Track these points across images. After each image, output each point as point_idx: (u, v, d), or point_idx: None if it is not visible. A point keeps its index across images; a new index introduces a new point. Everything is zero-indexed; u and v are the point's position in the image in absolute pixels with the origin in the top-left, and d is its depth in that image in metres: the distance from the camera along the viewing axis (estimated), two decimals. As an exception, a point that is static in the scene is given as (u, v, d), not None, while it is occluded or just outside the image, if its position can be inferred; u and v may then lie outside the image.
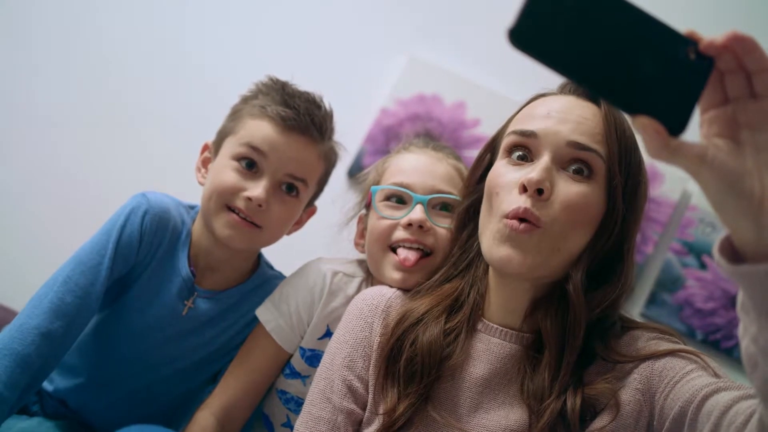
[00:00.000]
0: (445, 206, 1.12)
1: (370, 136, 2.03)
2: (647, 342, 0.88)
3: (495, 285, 0.94)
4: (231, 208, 1.14)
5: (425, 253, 1.10)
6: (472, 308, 0.94)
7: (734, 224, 0.57)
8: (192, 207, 1.25)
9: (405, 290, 1.04)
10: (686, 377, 0.80)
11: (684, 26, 0.57)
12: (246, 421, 1.19)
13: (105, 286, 1.12)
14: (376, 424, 0.91)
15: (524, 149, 0.90)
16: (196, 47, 2.07)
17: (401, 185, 1.13)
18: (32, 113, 2.03)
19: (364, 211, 1.23)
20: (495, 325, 0.93)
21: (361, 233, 1.22)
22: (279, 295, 1.20)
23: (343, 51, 2.07)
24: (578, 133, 0.87)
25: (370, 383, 0.94)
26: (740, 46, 0.54)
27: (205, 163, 1.25)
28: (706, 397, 0.74)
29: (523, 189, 0.86)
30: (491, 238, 0.88)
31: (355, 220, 1.26)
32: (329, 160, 1.23)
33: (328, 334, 1.15)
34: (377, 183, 1.18)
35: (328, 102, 1.22)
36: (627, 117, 0.59)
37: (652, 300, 1.99)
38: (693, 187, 1.99)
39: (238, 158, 1.15)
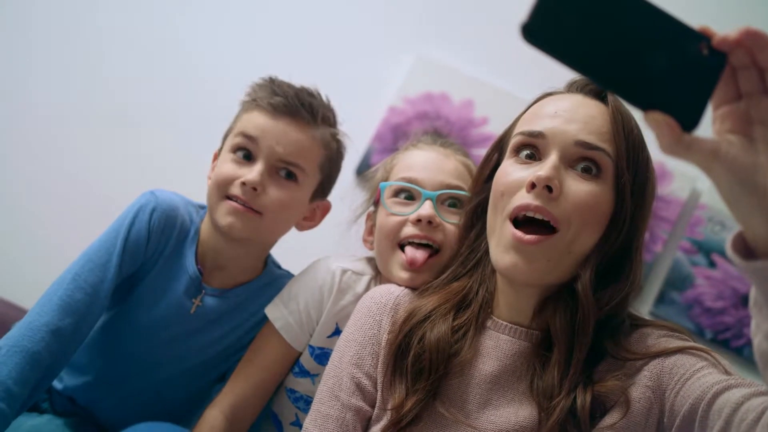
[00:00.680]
0: (453, 203, 1.12)
1: (378, 134, 2.03)
2: (657, 339, 0.88)
3: (503, 284, 0.94)
4: (230, 198, 1.15)
5: (434, 250, 1.10)
6: (480, 306, 0.94)
7: (747, 220, 0.57)
8: (202, 207, 1.26)
9: (413, 288, 1.04)
10: (697, 374, 0.79)
11: (696, 23, 0.57)
12: (255, 419, 1.19)
13: (114, 283, 1.12)
14: (385, 420, 0.91)
15: (532, 148, 0.90)
16: (198, 47, 2.07)
17: (410, 181, 1.13)
18: (33, 113, 2.04)
19: (372, 209, 1.24)
20: (504, 323, 0.93)
21: (370, 230, 1.22)
22: (288, 293, 1.20)
23: (351, 50, 2.07)
24: (586, 132, 0.87)
25: (379, 380, 0.95)
26: (753, 41, 0.54)
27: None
28: (716, 394, 0.74)
29: (531, 186, 0.86)
30: (497, 244, 0.89)
31: (364, 218, 1.26)
32: (329, 146, 1.22)
33: (337, 332, 1.16)
34: (386, 180, 1.18)
35: (325, 94, 1.23)
36: (638, 113, 0.59)
37: (662, 299, 1.98)
38: (702, 186, 1.98)
39: (234, 150, 1.17)
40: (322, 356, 1.16)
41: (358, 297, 1.13)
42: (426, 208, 1.09)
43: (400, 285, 1.06)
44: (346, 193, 1.30)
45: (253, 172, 1.13)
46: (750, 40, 0.54)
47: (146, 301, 1.20)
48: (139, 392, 1.23)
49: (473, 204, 1.00)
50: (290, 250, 1.34)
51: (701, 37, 0.56)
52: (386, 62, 2.07)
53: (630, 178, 0.87)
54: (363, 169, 1.94)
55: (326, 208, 1.29)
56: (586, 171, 0.87)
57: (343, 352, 0.99)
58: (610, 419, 0.83)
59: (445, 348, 0.91)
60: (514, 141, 0.92)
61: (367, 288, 1.17)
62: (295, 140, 1.16)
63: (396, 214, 1.12)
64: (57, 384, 1.26)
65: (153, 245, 1.17)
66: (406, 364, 0.92)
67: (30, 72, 2.06)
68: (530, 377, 0.88)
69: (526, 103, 0.98)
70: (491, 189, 0.94)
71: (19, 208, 2.00)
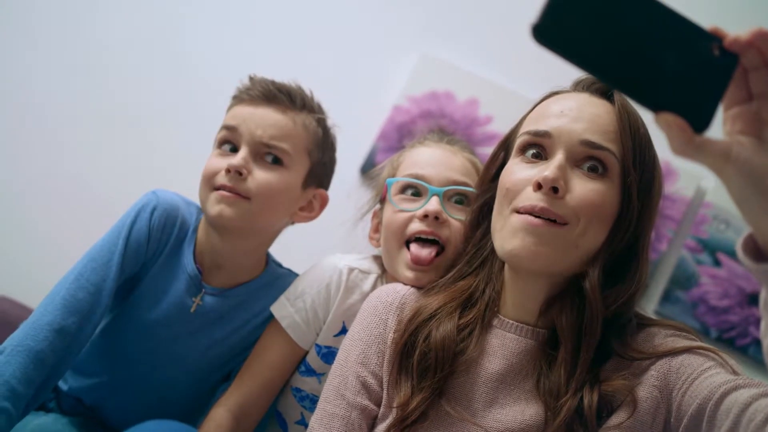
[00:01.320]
0: (460, 199, 1.12)
1: (383, 133, 2.02)
2: (664, 339, 0.88)
3: (510, 281, 0.94)
4: (218, 189, 1.15)
5: (440, 247, 1.09)
6: (487, 304, 0.94)
7: (758, 222, 0.57)
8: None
9: (419, 288, 1.04)
10: (704, 374, 0.79)
11: (708, 23, 0.57)
12: (261, 418, 1.19)
13: (116, 282, 1.13)
14: (390, 419, 0.91)
15: (538, 147, 0.90)
16: (199, 47, 2.07)
17: (417, 177, 1.13)
18: (35, 114, 2.04)
19: (378, 206, 1.24)
20: (511, 321, 0.93)
21: (376, 227, 1.22)
22: (295, 291, 1.20)
23: (356, 48, 2.07)
24: (591, 132, 0.87)
25: (384, 379, 0.95)
26: (765, 42, 0.54)
27: None
28: (724, 395, 0.74)
29: (538, 187, 0.86)
30: (503, 232, 0.89)
31: (369, 216, 1.26)
32: (314, 131, 1.21)
33: (344, 330, 1.15)
34: (393, 176, 1.18)
35: (309, 88, 1.24)
36: (646, 114, 0.58)
37: (667, 297, 1.98)
38: (707, 184, 1.98)
39: (219, 144, 1.19)
40: (329, 355, 1.16)
41: (365, 295, 1.13)
42: (433, 204, 1.09)
43: (406, 284, 1.06)
44: (351, 191, 1.29)
45: (237, 157, 1.14)
46: (762, 40, 0.54)
47: (148, 301, 1.20)
48: (144, 393, 1.23)
49: (479, 203, 1.00)
50: (295, 248, 1.34)
51: (712, 37, 0.56)
52: (390, 61, 2.06)
53: (636, 177, 0.87)
54: (368, 168, 1.94)
55: (324, 199, 1.27)
56: (592, 170, 0.87)
57: (348, 351, 0.99)
58: (616, 419, 0.82)
59: (451, 346, 0.91)
60: (520, 140, 0.92)
61: (374, 286, 1.17)
62: (275, 122, 1.17)
63: (403, 210, 1.12)
64: (62, 385, 1.26)
65: (153, 244, 1.18)
66: (411, 362, 0.92)
67: (31, 73, 2.06)
68: (536, 376, 0.88)
69: (530, 102, 0.98)
70: (497, 187, 0.94)
71: (23, 208, 2.00)
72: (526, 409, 0.87)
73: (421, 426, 0.89)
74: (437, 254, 1.09)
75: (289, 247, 1.31)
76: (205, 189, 1.17)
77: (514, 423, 0.87)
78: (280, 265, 1.31)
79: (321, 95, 1.26)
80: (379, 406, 0.95)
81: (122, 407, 1.23)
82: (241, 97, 1.20)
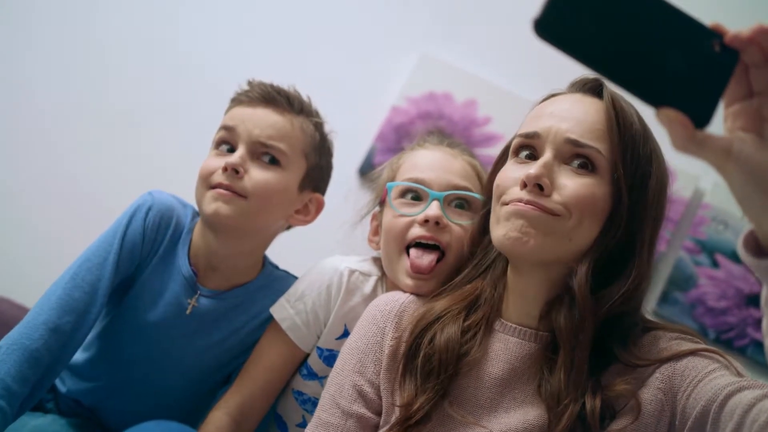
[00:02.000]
0: (460, 203, 1.11)
1: (381, 134, 2.03)
2: (668, 342, 0.87)
3: (512, 283, 0.94)
4: (214, 187, 1.15)
5: (441, 253, 1.09)
6: (491, 308, 0.94)
7: (759, 218, 0.57)
8: (198, 213, 1.26)
9: (419, 294, 1.04)
10: (709, 376, 0.79)
11: (709, 19, 0.57)
12: (261, 420, 1.19)
13: (111, 281, 1.13)
14: (393, 419, 0.91)
15: (530, 149, 0.91)
16: (199, 47, 2.07)
17: (417, 181, 1.12)
18: (34, 114, 2.04)
19: (377, 209, 1.23)
20: (513, 325, 0.93)
21: (375, 230, 1.22)
22: (295, 293, 1.20)
23: (354, 49, 2.07)
24: (576, 130, 0.87)
25: (382, 387, 0.95)
26: (766, 39, 0.54)
27: None
28: (728, 396, 0.74)
29: (523, 185, 0.87)
30: (496, 226, 0.90)
31: (368, 218, 1.25)
32: (311, 134, 1.22)
33: (346, 333, 1.14)
34: (392, 180, 1.17)
35: (306, 94, 1.24)
36: (647, 109, 0.58)
37: (665, 298, 1.98)
38: (705, 185, 1.98)
39: (217, 145, 1.19)
40: (331, 358, 1.15)
41: (366, 297, 1.13)
42: (433, 209, 1.09)
43: (405, 291, 1.06)
44: (349, 193, 1.29)
45: (234, 156, 1.14)
46: (763, 37, 0.54)
47: (143, 303, 1.19)
48: (142, 396, 1.22)
49: (487, 208, 1.00)
50: (293, 250, 1.34)
51: (714, 34, 0.56)
52: (389, 62, 2.07)
53: (629, 172, 0.87)
54: (366, 169, 1.94)
55: (320, 203, 1.27)
56: (582, 167, 0.87)
57: (346, 360, 0.99)
58: (620, 423, 0.82)
59: (455, 347, 0.91)
60: (514, 143, 0.94)
61: (375, 289, 1.17)
62: (273, 123, 1.17)
63: (403, 214, 1.11)
64: (61, 387, 1.26)
65: (148, 244, 1.18)
66: (416, 364, 0.92)
67: (30, 73, 2.06)
68: (538, 380, 0.88)
69: (529, 103, 0.98)
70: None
71: (22, 208, 2.00)
72: (529, 413, 0.87)
73: (425, 427, 0.89)
74: (438, 260, 1.08)
75: (287, 249, 1.31)
76: (202, 187, 1.16)
77: (518, 424, 0.87)
78: (277, 267, 1.30)
79: (320, 95, 1.26)
80: (377, 414, 0.94)
81: (120, 410, 1.23)
82: (239, 99, 1.21)
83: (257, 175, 1.15)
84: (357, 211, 1.28)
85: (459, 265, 1.05)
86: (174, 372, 1.22)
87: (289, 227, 1.28)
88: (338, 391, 0.96)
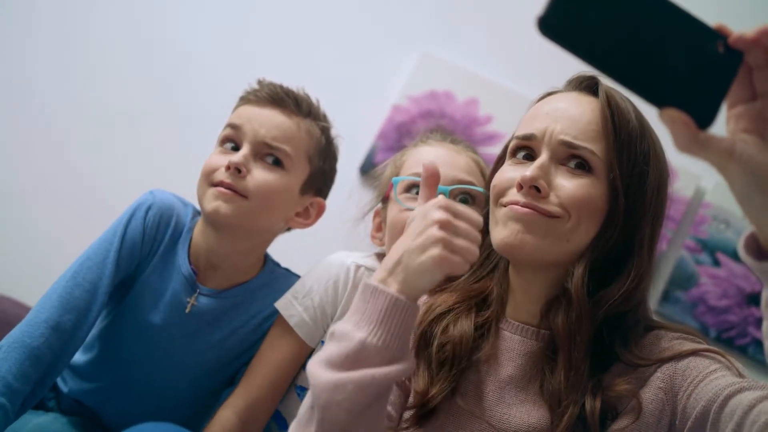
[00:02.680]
0: (465, 198, 1.12)
1: (383, 132, 2.02)
2: (670, 342, 0.87)
3: (514, 282, 0.94)
4: (216, 185, 1.15)
5: None
6: (498, 306, 0.94)
7: (759, 220, 0.57)
8: (199, 212, 1.25)
9: None
10: (710, 376, 0.79)
11: (714, 20, 0.57)
12: (269, 419, 1.18)
13: (112, 280, 1.13)
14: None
15: (528, 150, 0.91)
16: (199, 46, 2.07)
17: None
18: (35, 113, 2.04)
19: (380, 205, 1.23)
20: (516, 323, 0.93)
21: (378, 226, 1.22)
22: (302, 288, 1.19)
23: (356, 48, 2.07)
24: (571, 132, 0.87)
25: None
26: None
27: None
28: (729, 397, 0.73)
29: (520, 187, 0.86)
30: (495, 229, 0.90)
31: (371, 215, 1.25)
32: (317, 138, 1.22)
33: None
34: (396, 175, 1.18)
35: (315, 98, 1.24)
36: (649, 109, 0.58)
37: (666, 297, 1.98)
38: (707, 184, 1.98)
39: (222, 142, 1.19)
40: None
41: None
42: None
43: None
44: (351, 191, 1.29)
45: (237, 155, 1.14)
46: (767, 39, 0.54)
47: (144, 303, 1.19)
48: (144, 397, 1.22)
49: (487, 209, 1.00)
50: (295, 249, 1.34)
51: (717, 35, 0.55)
52: (390, 61, 2.06)
53: (625, 172, 0.87)
54: (367, 167, 1.94)
55: (321, 207, 1.27)
56: (578, 167, 0.87)
57: None
58: (621, 423, 0.82)
59: (469, 342, 0.91)
60: (511, 145, 0.93)
61: None
62: (279, 124, 1.17)
63: (409, 209, 1.11)
64: (62, 386, 1.26)
65: (148, 242, 1.18)
66: (430, 352, 0.92)
67: (31, 72, 2.05)
68: (540, 380, 0.88)
69: (530, 101, 0.98)
70: None
71: (23, 208, 2.00)
72: (532, 412, 0.87)
73: (436, 422, 0.89)
74: None
75: (290, 246, 1.31)
76: (204, 185, 1.17)
77: (522, 423, 0.87)
78: (278, 265, 1.30)
79: (321, 95, 1.26)
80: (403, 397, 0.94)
81: (122, 411, 1.22)
82: (248, 98, 1.21)
83: (259, 176, 1.15)
84: (359, 209, 1.28)
85: None
86: (175, 372, 1.22)
87: (288, 229, 1.27)
88: None
